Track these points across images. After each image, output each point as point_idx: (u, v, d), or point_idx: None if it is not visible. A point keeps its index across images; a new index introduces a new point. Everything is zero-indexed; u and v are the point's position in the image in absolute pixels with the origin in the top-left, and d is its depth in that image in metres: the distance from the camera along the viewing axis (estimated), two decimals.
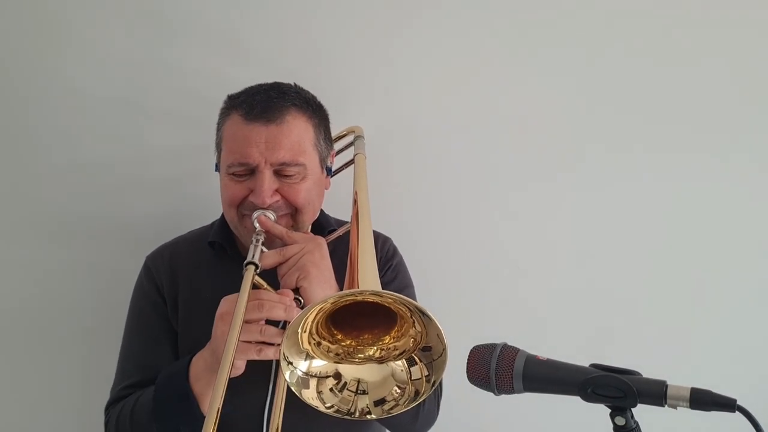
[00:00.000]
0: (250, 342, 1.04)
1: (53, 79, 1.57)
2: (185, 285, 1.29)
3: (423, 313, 0.91)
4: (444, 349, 0.92)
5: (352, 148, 1.47)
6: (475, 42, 1.62)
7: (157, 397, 1.14)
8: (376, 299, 0.94)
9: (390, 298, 0.92)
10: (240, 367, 1.07)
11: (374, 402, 0.97)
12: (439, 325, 0.90)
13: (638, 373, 0.85)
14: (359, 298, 0.94)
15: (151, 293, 1.30)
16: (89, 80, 1.57)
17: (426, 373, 0.95)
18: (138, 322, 1.31)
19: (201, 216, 1.45)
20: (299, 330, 0.94)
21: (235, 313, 0.98)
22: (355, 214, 1.17)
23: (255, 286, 1.06)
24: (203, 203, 1.53)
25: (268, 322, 1.07)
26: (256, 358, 1.05)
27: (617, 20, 1.64)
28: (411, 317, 0.95)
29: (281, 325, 1.09)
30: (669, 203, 1.68)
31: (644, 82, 1.65)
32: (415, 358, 0.97)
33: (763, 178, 1.69)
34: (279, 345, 0.99)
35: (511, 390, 0.89)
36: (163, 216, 1.60)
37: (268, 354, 1.05)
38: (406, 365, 0.97)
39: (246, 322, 1.01)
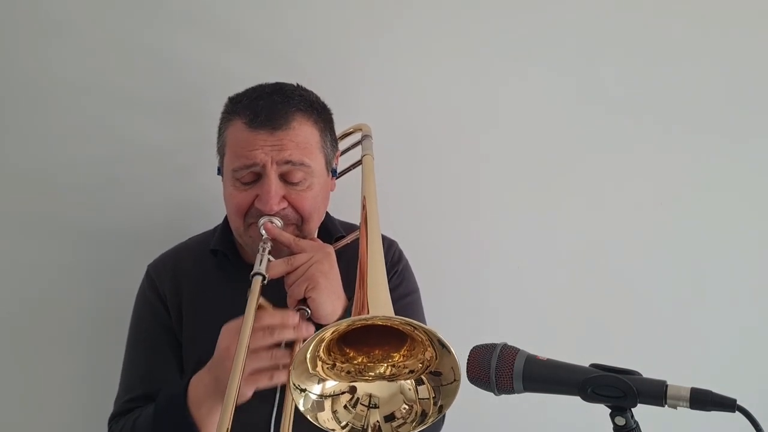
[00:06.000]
0: (260, 370, 1.01)
1: (54, 76, 1.56)
2: (189, 295, 1.27)
3: (442, 344, 0.90)
4: (455, 381, 0.91)
5: (358, 147, 1.44)
6: (482, 40, 1.63)
7: (155, 422, 1.11)
8: (386, 323, 0.92)
9: (398, 321, 0.91)
10: (248, 395, 1.02)
11: (384, 417, 0.96)
12: (456, 358, 0.89)
13: (638, 373, 0.85)
14: (369, 322, 0.92)
15: (154, 303, 1.27)
16: (87, 75, 1.56)
17: (433, 395, 0.94)
18: (141, 332, 1.28)
19: (203, 214, 1.44)
20: (308, 356, 0.93)
21: (239, 343, 0.94)
22: (364, 220, 1.15)
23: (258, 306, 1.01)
24: (205, 200, 1.51)
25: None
26: (269, 384, 1.03)
27: (619, 20, 1.64)
28: (423, 342, 0.94)
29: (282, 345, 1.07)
30: (669, 202, 1.69)
31: (644, 82, 1.65)
32: (423, 379, 0.96)
33: (762, 177, 1.69)
34: (289, 366, 0.97)
35: (511, 390, 0.89)
36: (163, 214, 1.59)
37: (281, 378, 1.02)
38: (414, 384, 0.97)
39: (253, 350, 0.98)
